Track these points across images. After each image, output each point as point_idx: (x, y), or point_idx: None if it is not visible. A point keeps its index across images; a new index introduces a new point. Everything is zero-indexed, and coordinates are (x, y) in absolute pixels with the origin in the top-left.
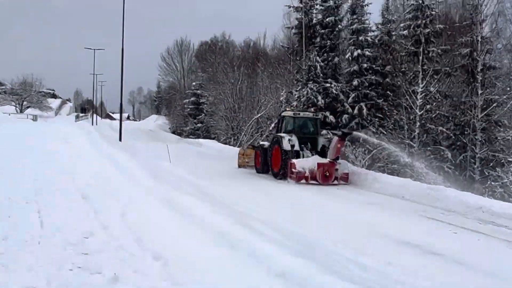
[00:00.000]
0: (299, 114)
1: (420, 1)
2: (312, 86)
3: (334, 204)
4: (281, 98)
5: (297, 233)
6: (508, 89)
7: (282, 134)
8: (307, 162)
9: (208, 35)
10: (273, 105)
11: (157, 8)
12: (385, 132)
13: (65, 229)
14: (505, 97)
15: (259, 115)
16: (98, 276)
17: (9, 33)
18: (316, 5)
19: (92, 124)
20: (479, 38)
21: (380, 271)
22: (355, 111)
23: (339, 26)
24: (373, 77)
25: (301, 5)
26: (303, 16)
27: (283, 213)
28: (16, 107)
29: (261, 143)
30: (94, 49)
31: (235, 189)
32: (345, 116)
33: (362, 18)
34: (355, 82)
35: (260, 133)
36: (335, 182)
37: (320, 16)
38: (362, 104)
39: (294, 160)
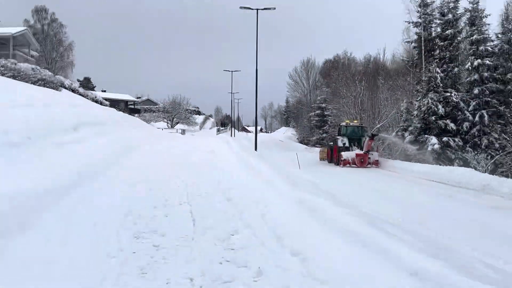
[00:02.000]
0: (349, 124)
1: None
2: (432, 96)
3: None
4: (402, 108)
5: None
6: None
7: (338, 137)
8: (350, 153)
9: (331, 53)
10: (393, 115)
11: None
12: (508, 138)
13: (214, 228)
14: None
15: (380, 124)
16: (245, 269)
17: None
18: (435, 19)
19: (231, 136)
20: None
21: None
22: (476, 119)
23: (458, 38)
24: (494, 85)
25: (420, 20)
26: (422, 30)
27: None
28: (167, 123)
29: (329, 143)
30: (232, 71)
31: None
32: (466, 123)
33: (482, 29)
34: (475, 91)
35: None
36: (369, 166)
37: (439, 30)
38: (483, 111)
39: (342, 152)
